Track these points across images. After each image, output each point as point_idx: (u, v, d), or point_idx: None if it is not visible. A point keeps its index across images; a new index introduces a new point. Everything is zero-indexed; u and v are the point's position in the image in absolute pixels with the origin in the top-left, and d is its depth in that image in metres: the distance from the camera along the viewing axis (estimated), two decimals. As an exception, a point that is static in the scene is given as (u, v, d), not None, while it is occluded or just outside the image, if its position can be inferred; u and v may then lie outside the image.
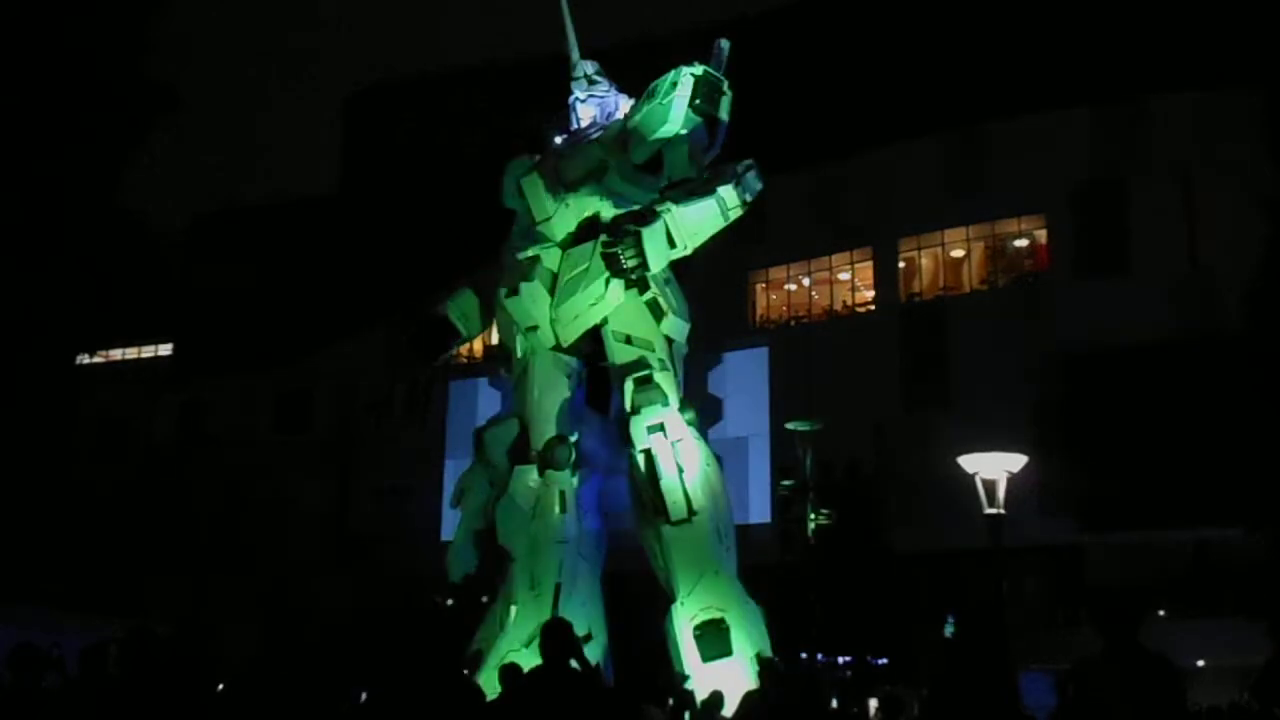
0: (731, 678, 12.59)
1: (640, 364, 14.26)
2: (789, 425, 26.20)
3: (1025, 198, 42.80)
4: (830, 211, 46.35)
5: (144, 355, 64.56)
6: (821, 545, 25.16)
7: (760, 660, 12.80)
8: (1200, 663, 32.37)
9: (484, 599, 14.57)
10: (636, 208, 14.26)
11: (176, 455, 57.16)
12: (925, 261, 46.01)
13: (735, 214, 14.01)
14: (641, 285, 14.23)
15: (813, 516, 24.46)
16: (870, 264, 46.85)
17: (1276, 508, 29.18)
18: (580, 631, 10.14)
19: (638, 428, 13.81)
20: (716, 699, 12.01)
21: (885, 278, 46.26)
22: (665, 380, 14.23)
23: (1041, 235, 43.94)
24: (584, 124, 15.47)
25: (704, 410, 15.14)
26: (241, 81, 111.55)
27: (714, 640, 13.21)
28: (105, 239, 31.75)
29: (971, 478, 15.20)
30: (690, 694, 12.45)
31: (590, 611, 14.12)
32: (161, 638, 7.46)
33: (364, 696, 10.20)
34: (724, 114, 14.04)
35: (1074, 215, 42.04)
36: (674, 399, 14.14)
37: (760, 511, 39.54)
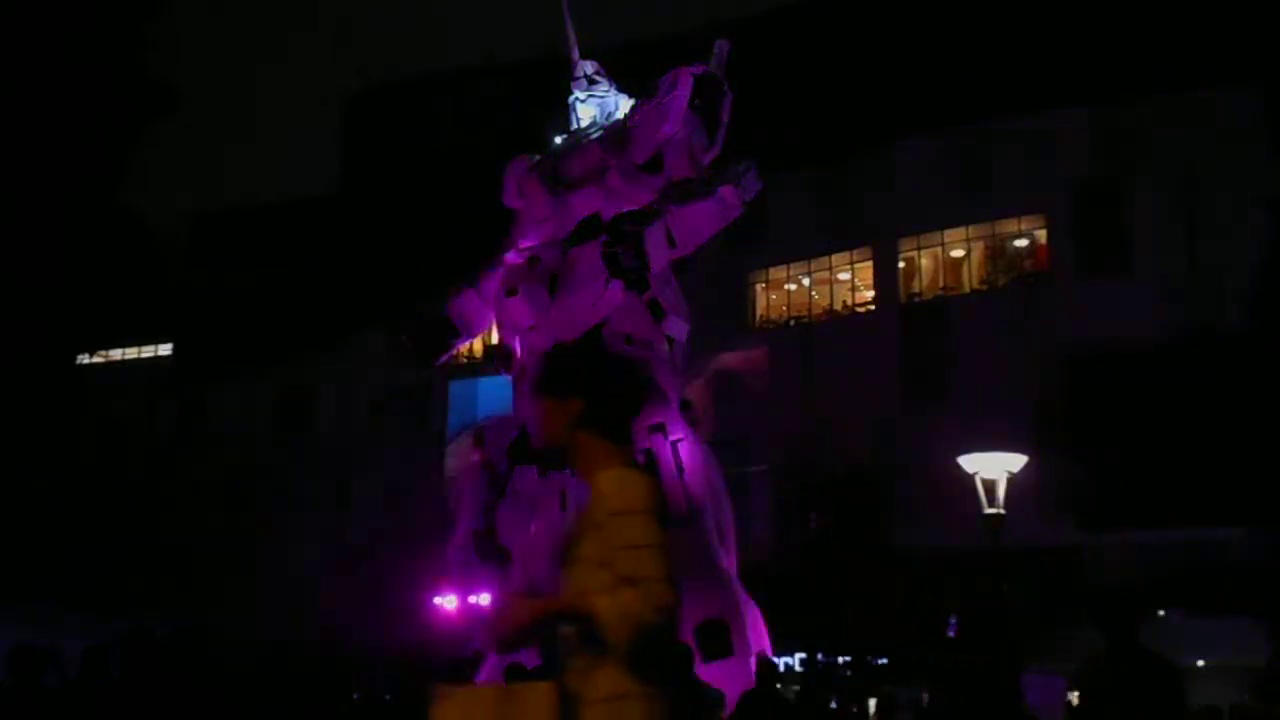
0: (731, 678, 12.57)
1: (640, 364, 14.24)
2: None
3: (1025, 198, 42.77)
4: (830, 211, 46.32)
5: (144, 355, 64.50)
6: (822, 545, 25.21)
7: (760, 660, 12.79)
8: (1200, 663, 32.33)
9: None
10: (636, 208, 14.26)
11: (177, 455, 57.15)
12: (925, 261, 46.00)
13: (735, 214, 14.02)
14: (641, 285, 14.22)
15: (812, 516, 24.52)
16: (870, 264, 46.83)
17: (1276, 508, 29.20)
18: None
19: (638, 428, 13.77)
20: (718, 699, 11.96)
21: (885, 278, 46.24)
22: (665, 380, 14.21)
23: (1041, 235, 43.92)
24: (584, 124, 15.47)
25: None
26: (241, 81, 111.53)
27: (714, 640, 13.20)
28: (105, 239, 31.78)
29: (971, 477, 15.18)
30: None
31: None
32: (161, 638, 7.45)
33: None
34: (724, 114, 14.06)
35: (1074, 215, 42.03)
36: (674, 399, 14.13)
37: (760, 511, 39.50)
